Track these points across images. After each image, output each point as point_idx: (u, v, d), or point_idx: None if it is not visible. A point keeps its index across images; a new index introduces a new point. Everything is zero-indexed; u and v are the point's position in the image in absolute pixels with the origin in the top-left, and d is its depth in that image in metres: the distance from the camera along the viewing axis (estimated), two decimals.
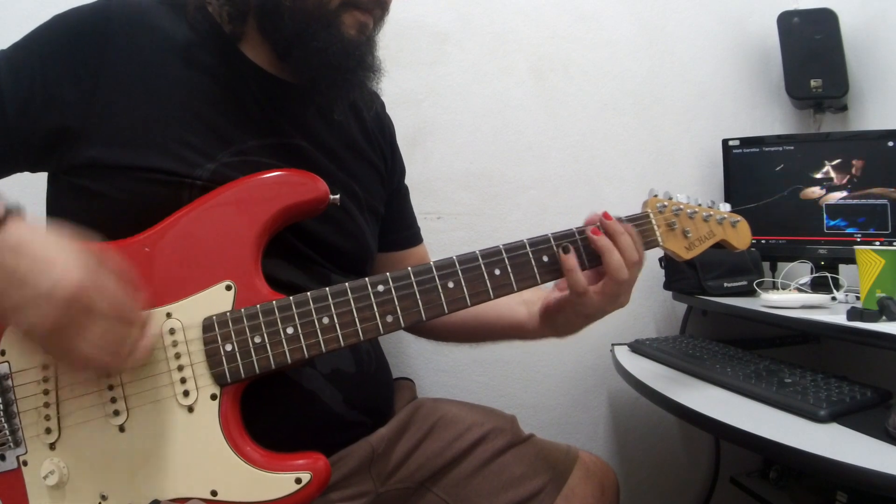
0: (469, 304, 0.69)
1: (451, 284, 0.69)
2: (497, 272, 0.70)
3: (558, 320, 0.79)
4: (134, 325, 0.59)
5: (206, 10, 0.74)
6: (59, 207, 0.72)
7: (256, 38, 0.76)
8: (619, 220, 0.75)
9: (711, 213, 0.84)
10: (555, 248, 0.73)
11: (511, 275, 0.71)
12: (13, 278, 0.53)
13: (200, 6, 0.74)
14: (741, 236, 0.87)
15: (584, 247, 0.74)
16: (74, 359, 0.57)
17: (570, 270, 0.72)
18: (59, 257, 0.54)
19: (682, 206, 0.82)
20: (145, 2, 0.74)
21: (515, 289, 0.71)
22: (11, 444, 0.61)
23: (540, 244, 0.73)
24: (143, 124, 0.69)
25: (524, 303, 0.85)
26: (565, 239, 0.74)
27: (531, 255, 0.72)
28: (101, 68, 0.68)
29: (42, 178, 0.74)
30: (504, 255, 0.71)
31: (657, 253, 1.40)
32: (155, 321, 0.63)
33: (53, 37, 0.70)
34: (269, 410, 0.68)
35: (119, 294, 0.57)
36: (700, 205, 0.84)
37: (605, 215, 0.74)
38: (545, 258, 0.73)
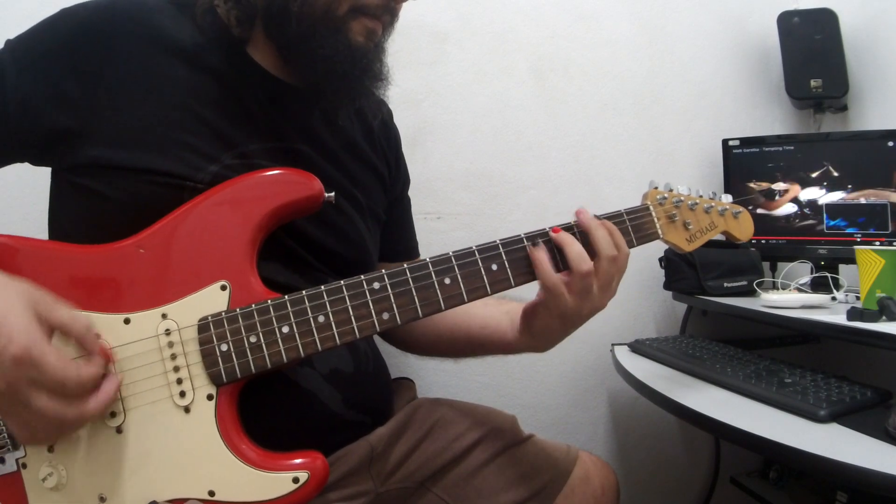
0: (466, 300, 0.68)
1: (447, 280, 0.68)
2: (494, 267, 0.70)
3: (535, 325, 0.75)
4: (81, 391, 0.56)
5: (214, 12, 0.73)
6: (61, 205, 0.72)
7: (263, 42, 0.75)
8: (599, 217, 0.74)
9: (712, 204, 0.83)
10: (539, 242, 0.71)
11: (508, 270, 0.70)
12: None
13: (209, 8, 0.73)
14: (743, 227, 0.86)
15: (556, 247, 0.71)
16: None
17: (537, 262, 0.70)
18: None
19: (682, 198, 0.81)
20: (152, 1, 0.74)
21: (513, 284, 0.70)
22: (10, 447, 0.61)
23: (537, 238, 0.72)
24: (145, 125, 0.68)
25: (507, 313, 0.82)
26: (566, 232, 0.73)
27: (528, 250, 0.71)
28: (104, 66, 0.68)
29: (45, 177, 0.74)
30: (501, 249, 0.70)
31: (657, 253, 1.40)
32: (150, 322, 0.63)
33: (58, 32, 0.69)
34: (268, 411, 0.68)
35: (58, 370, 0.53)
36: (701, 196, 0.83)
37: (578, 212, 0.73)
38: None
